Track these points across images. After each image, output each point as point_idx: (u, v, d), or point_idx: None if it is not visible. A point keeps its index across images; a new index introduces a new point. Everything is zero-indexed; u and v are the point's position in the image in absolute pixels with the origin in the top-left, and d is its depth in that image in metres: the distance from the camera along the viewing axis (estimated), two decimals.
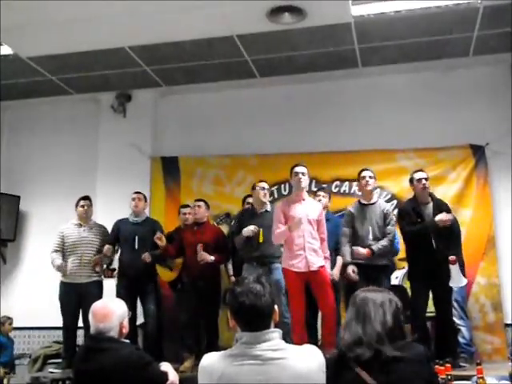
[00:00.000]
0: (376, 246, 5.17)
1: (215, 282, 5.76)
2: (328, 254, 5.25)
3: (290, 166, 5.37)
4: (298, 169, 5.22)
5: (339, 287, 5.45)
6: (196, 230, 5.80)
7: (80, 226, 5.93)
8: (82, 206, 5.95)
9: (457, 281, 4.98)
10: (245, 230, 5.41)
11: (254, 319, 2.12)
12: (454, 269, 4.92)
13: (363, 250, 5.16)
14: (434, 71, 6.84)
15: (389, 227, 5.29)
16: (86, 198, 6.04)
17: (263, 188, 5.62)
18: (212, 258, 5.60)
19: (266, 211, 5.58)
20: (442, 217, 5.00)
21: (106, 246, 5.79)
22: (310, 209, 5.21)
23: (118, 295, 5.55)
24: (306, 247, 5.05)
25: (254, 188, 5.68)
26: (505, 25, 5.75)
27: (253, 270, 5.27)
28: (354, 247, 5.22)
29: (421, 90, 6.87)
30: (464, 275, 5.65)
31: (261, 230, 5.43)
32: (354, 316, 2.29)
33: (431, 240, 5.00)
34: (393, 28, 5.82)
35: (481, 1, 5.31)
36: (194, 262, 5.59)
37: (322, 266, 5.09)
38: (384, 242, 5.21)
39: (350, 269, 5.18)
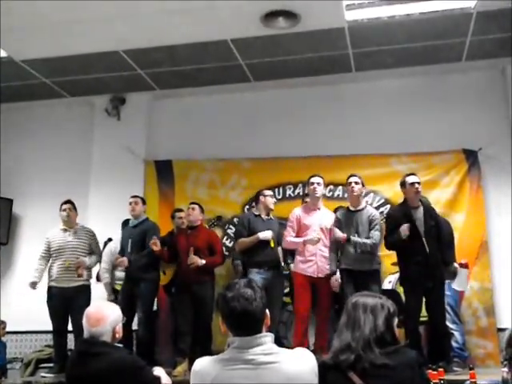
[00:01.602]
0: (355, 238, 5.20)
1: (209, 286, 5.74)
2: None
3: (284, 170, 5.50)
4: (314, 179, 5.48)
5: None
6: (189, 234, 5.79)
7: (65, 230, 5.91)
8: (64, 210, 5.91)
9: (462, 284, 5.01)
10: (263, 233, 5.52)
11: (246, 324, 2.12)
12: (464, 272, 4.95)
13: (340, 234, 5.20)
14: (428, 76, 6.86)
15: (372, 232, 5.28)
16: (68, 201, 5.99)
17: (272, 196, 5.87)
18: (203, 261, 5.59)
19: (271, 218, 5.78)
20: (402, 228, 4.99)
21: (118, 258, 5.77)
22: (324, 218, 5.46)
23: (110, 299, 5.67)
24: (318, 254, 5.32)
25: (263, 195, 5.75)
26: (497, 31, 5.80)
27: (263, 273, 5.42)
28: (335, 232, 5.25)
29: (414, 95, 6.90)
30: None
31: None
32: (344, 322, 2.30)
33: (424, 244, 5.01)
34: (386, 33, 5.85)
35: (474, 7, 5.35)
36: (188, 266, 5.58)
37: (329, 274, 5.30)
38: (366, 241, 5.21)
39: (334, 278, 5.26)
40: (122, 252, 5.80)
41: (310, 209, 5.51)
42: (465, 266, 4.97)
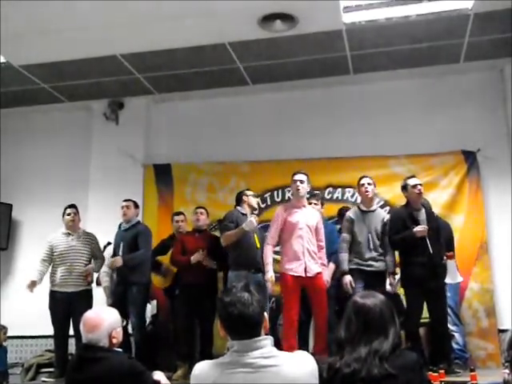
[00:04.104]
0: (392, 268, 5.29)
1: (212, 289, 5.75)
2: (326, 261, 5.33)
3: (283, 173, 5.43)
4: (297, 176, 5.29)
5: (330, 293, 5.38)
6: (198, 237, 5.83)
7: (68, 235, 5.89)
8: (69, 215, 5.90)
9: (453, 277, 5.05)
10: (246, 224, 5.33)
11: (243, 328, 2.12)
12: (451, 264, 4.98)
13: (391, 283, 5.23)
14: (426, 78, 6.86)
15: (386, 238, 5.33)
16: (72, 206, 5.99)
17: (255, 196, 5.78)
18: (214, 264, 5.69)
19: None
20: (418, 228, 5.04)
21: (115, 259, 5.77)
22: (309, 216, 5.30)
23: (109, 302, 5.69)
24: (305, 253, 5.14)
25: (245, 195, 5.68)
26: (495, 32, 5.81)
27: (251, 277, 5.25)
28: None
29: (412, 97, 6.91)
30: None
31: (255, 235, 5.52)
32: (356, 330, 2.26)
33: (428, 246, 5.00)
34: (384, 35, 5.85)
35: (471, 8, 5.35)
36: (192, 268, 5.58)
37: (319, 273, 5.17)
38: (391, 257, 5.32)
39: (347, 280, 5.19)
40: (114, 256, 5.82)
41: (295, 206, 5.31)
42: (450, 257, 5.01)
